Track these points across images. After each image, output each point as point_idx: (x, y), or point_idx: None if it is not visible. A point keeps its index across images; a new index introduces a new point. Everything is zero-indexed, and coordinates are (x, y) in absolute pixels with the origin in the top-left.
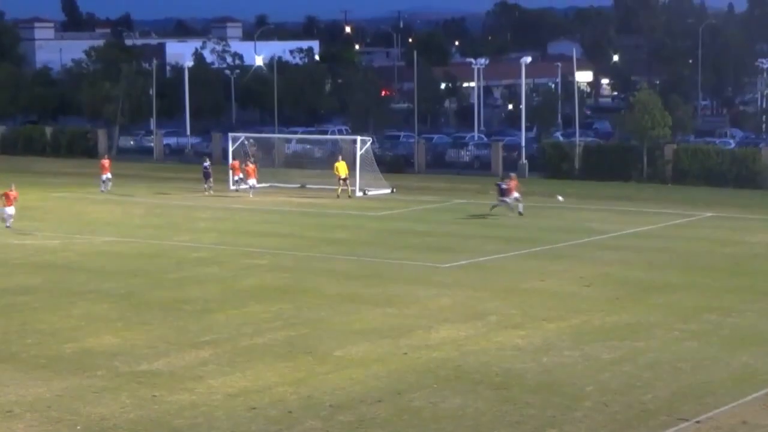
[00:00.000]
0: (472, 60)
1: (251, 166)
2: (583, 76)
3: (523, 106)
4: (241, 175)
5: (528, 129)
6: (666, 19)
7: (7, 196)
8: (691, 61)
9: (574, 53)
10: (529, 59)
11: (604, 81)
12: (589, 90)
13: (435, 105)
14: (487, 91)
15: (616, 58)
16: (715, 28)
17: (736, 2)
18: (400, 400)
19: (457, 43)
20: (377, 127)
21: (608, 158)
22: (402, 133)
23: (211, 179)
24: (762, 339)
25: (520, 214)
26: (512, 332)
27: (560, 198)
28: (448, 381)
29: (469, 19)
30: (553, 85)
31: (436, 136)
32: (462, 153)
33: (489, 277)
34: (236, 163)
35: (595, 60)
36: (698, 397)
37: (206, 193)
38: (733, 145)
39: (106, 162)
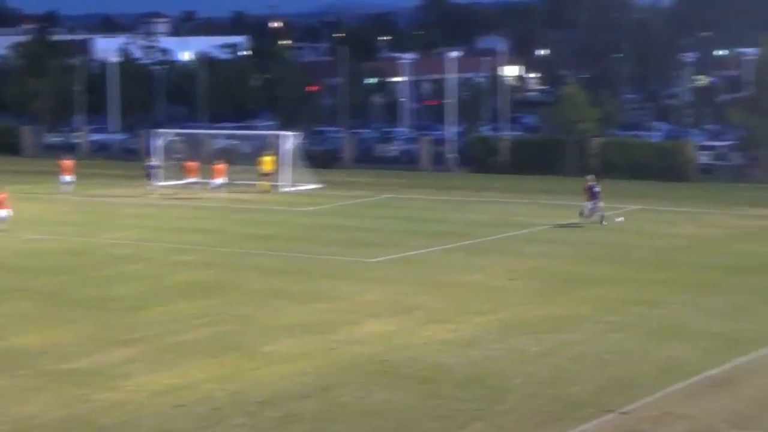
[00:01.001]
0: (400, 55)
1: (193, 164)
2: (511, 71)
3: (450, 101)
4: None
5: (455, 123)
6: (593, 14)
7: None
8: (617, 55)
9: (502, 48)
10: (457, 54)
11: (532, 75)
12: (516, 84)
13: (363, 100)
14: (415, 85)
15: (543, 52)
16: (641, 22)
17: None
18: (328, 396)
19: (385, 38)
20: (305, 122)
21: (536, 152)
22: (330, 128)
23: (157, 178)
24: (686, 331)
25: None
26: (440, 326)
27: (620, 219)
28: (375, 376)
29: (398, 14)
30: (481, 80)
31: (364, 131)
32: (390, 147)
33: (416, 271)
34: (193, 164)
35: (522, 54)
36: (624, 389)
37: (151, 194)
38: (659, 138)
39: (67, 163)
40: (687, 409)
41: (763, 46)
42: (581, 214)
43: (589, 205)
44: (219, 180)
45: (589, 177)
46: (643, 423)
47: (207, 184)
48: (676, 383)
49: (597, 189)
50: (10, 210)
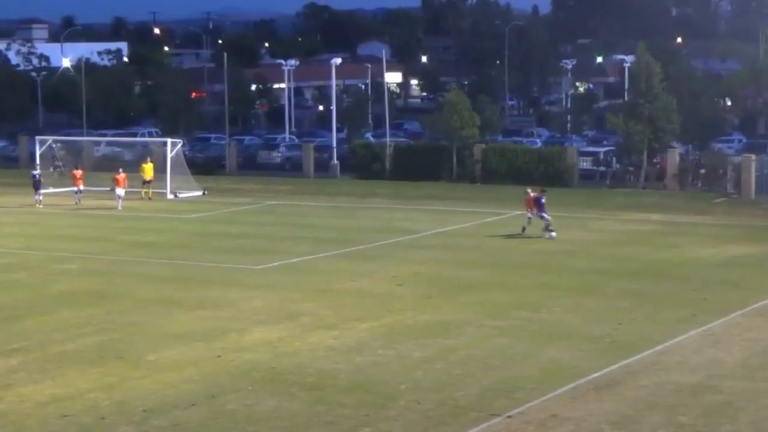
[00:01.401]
0: (282, 61)
1: (78, 172)
2: (393, 77)
3: (333, 107)
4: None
5: (339, 130)
6: (473, 21)
7: None
8: (498, 62)
9: (384, 54)
10: (338, 60)
11: (414, 82)
12: (398, 91)
13: (245, 107)
14: (298, 92)
15: (424, 59)
16: (521, 29)
17: (541, 5)
18: (215, 404)
19: (267, 44)
20: (188, 128)
21: (418, 158)
22: (213, 135)
23: (42, 186)
24: (569, 334)
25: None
26: (325, 333)
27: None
28: (262, 383)
29: (279, 21)
30: (363, 86)
31: (247, 138)
32: (273, 154)
33: (302, 278)
34: (78, 172)
35: (404, 61)
36: (509, 393)
37: (38, 205)
38: (539, 144)
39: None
40: (571, 412)
41: (640, 53)
42: (545, 228)
43: (530, 215)
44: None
45: (531, 189)
46: (528, 426)
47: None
48: (561, 386)
49: (543, 200)
50: None
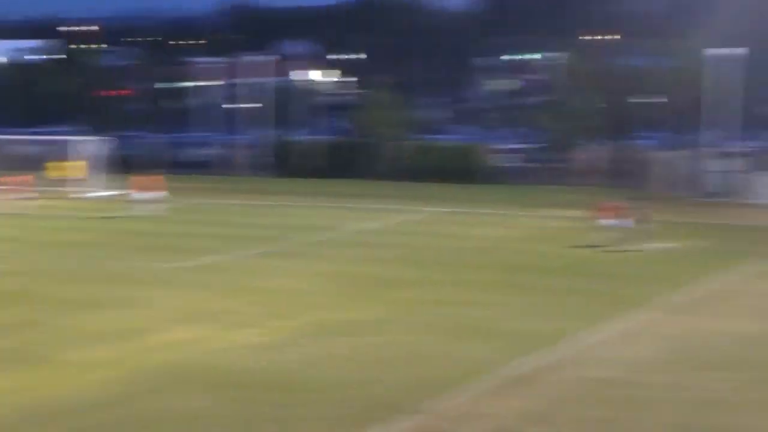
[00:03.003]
0: (211, 59)
1: None
2: (318, 75)
3: (260, 105)
4: None
5: (266, 128)
6: (399, 18)
7: None
8: (423, 59)
9: (310, 52)
10: (266, 58)
11: (340, 79)
12: (324, 88)
13: (173, 104)
14: (226, 90)
15: (350, 56)
16: (447, 26)
17: (464, 2)
18: (132, 404)
19: (194, 42)
20: (115, 127)
21: (345, 156)
22: (140, 133)
23: None
24: (486, 330)
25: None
26: (247, 331)
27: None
28: (182, 382)
29: (206, 18)
30: (289, 84)
31: (174, 136)
32: (200, 152)
33: (224, 276)
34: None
35: (329, 58)
36: (428, 389)
37: None
38: (461, 141)
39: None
40: (488, 408)
41: (567, 50)
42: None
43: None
44: None
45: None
46: (446, 422)
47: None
48: (478, 382)
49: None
50: None
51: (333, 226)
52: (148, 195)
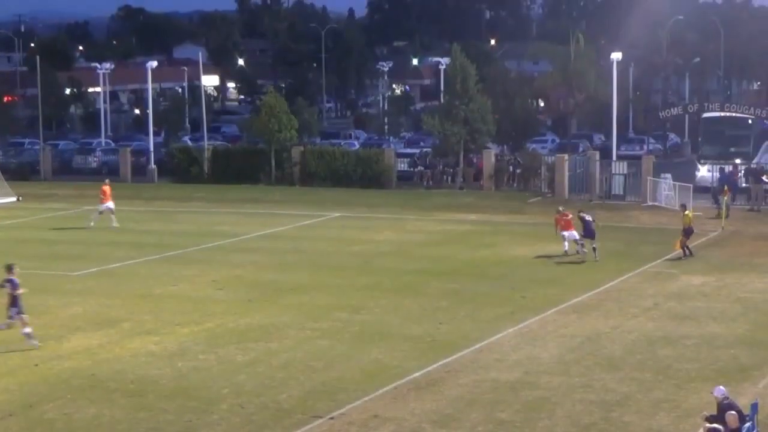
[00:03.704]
0: (97, 65)
1: None
2: (210, 80)
3: (150, 111)
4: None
5: (156, 134)
6: (289, 24)
7: None
8: (315, 64)
9: (200, 57)
10: (154, 63)
11: (231, 85)
12: (216, 94)
13: (60, 110)
14: (114, 95)
15: (241, 62)
16: (337, 32)
17: (357, 8)
18: (33, 413)
19: (81, 47)
20: (1, 134)
21: (236, 161)
22: (27, 140)
23: None
24: (389, 334)
25: None
26: (146, 338)
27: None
28: (82, 391)
29: (93, 23)
30: (180, 90)
31: (62, 143)
32: (89, 159)
33: (120, 283)
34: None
35: (221, 64)
36: (331, 394)
37: None
38: (357, 146)
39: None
40: (393, 412)
41: (455, 55)
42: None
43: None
44: None
45: (562, 208)
46: (350, 427)
47: None
48: (382, 387)
49: (588, 218)
50: None
51: (230, 232)
52: None
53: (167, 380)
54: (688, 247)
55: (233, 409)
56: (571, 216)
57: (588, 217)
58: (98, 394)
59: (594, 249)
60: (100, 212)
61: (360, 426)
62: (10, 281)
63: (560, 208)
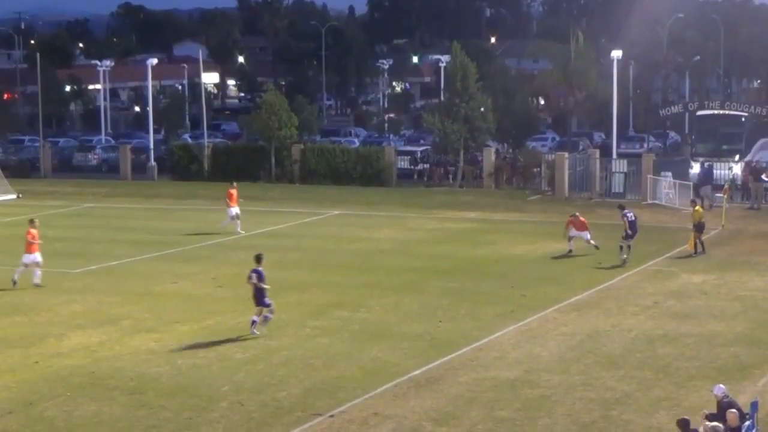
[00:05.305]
0: (97, 62)
1: None
2: (210, 78)
3: (150, 108)
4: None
5: (156, 131)
6: (290, 21)
7: None
8: (315, 62)
9: (200, 55)
10: (154, 61)
11: (231, 82)
12: (216, 91)
13: (60, 108)
14: (114, 93)
15: (241, 59)
16: (338, 30)
17: (357, 5)
18: (33, 411)
19: (81, 45)
20: (1, 131)
21: (236, 159)
22: (27, 137)
23: None
24: (389, 332)
25: None
26: (146, 336)
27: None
28: (82, 388)
29: (93, 21)
30: (180, 87)
31: (62, 140)
32: (89, 156)
33: (120, 281)
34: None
35: (221, 61)
36: (331, 392)
37: None
38: (357, 144)
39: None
40: (393, 410)
41: (455, 53)
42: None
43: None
44: None
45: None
46: (350, 425)
47: None
48: (382, 385)
49: (632, 217)
50: None
51: (228, 230)
52: None
53: (167, 378)
54: (702, 242)
55: (233, 406)
56: (584, 218)
57: (631, 215)
58: (98, 392)
59: (629, 247)
60: (232, 217)
61: (360, 424)
62: (256, 272)
63: (576, 213)
